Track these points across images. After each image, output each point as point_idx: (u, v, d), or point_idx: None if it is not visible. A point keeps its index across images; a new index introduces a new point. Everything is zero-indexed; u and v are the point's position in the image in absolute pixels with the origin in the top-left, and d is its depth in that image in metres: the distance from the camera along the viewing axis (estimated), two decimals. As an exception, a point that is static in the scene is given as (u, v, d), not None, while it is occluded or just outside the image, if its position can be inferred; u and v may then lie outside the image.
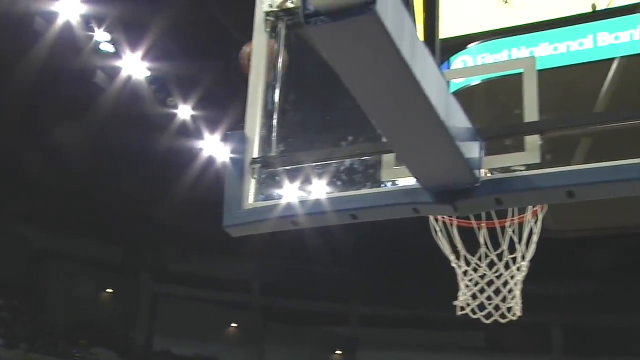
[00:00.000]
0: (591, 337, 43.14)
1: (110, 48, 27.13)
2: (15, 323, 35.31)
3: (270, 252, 36.54)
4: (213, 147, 30.26)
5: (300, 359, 44.38)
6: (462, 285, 4.03)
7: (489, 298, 4.82)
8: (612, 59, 4.48)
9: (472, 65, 6.93)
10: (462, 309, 4.90)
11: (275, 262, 41.37)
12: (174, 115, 29.80)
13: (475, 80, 6.03)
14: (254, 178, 4.07)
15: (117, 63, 27.43)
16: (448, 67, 6.77)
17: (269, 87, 4.01)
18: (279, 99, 4.05)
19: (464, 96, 5.73)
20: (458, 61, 7.05)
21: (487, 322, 4.89)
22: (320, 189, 4.08)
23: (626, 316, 40.86)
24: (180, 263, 43.50)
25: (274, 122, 4.11)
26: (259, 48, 4.00)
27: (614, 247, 35.46)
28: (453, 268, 5.00)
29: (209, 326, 42.53)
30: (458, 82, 6.12)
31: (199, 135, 30.41)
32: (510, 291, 4.08)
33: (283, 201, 4.08)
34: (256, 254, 37.77)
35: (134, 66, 27.72)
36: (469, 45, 7.31)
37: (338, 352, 46.38)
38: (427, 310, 41.20)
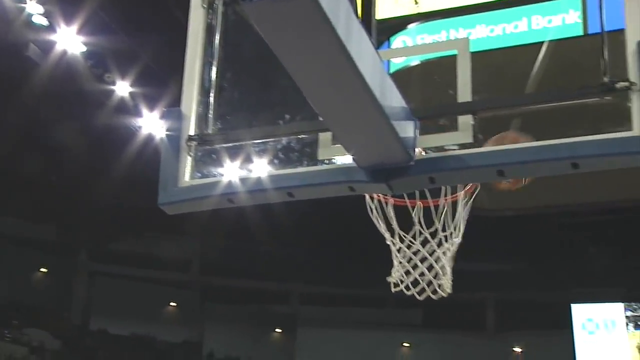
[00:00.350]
0: (524, 313, 43.82)
1: (43, 21, 26.11)
2: (-56, 304, 34.87)
3: (210, 230, 36.31)
4: (152, 125, 29.54)
5: (240, 338, 44.41)
6: (395, 262, 4.09)
7: (422, 275, 4.90)
8: (544, 41, 4.56)
9: (411, 45, 7.00)
10: (396, 285, 4.97)
11: (215, 240, 41.16)
12: (112, 91, 28.88)
13: (414, 61, 6.11)
14: (190, 155, 4.07)
15: (52, 37, 26.47)
16: (388, 47, 6.83)
17: (206, 64, 4.02)
18: (216, 77, 4.06)
19: (404, 76, 5.82)
20: (398, 41, 7.12)
21: (420, 299, 4.95)
22: (257, 167, 4.11)
23: (559, 293, 41.57)
24: (118, 242, 42.95)
25: (211, 99, 4.11)
26: (195, 24, 4.02)
27: (547, 224, 35.97)
28: (389, 246, 5.07)
29: (147, 305, 42.29)
30: (398, 62, 6.20)
31: (138, 113, 29.64)
32: (442, 268, 4.15)
33: (220, 179, 4.10)
34: (196, 233, 37.58)
35: (69, 40, 26.77)
36: (409, 26, 7.39)
37: (278, 330, 46.51)
38: (365, 289, 41.48)
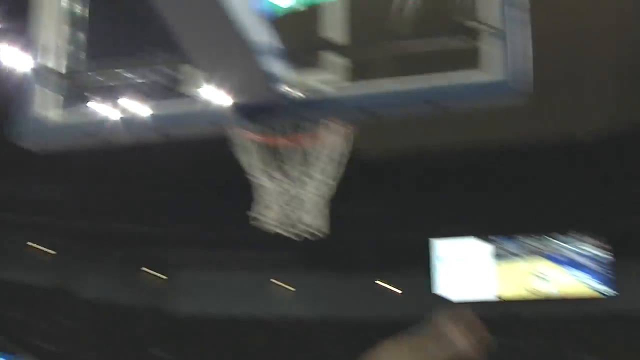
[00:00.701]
0: (397, 253, 44.92)
1: None
2: None
3: (77, 172, 35.59)
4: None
5: (108, 281, 44.06)
6: (268, 200, 4.14)
7: (295, 214, 4.96)
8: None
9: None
10: (269, 225, 5.03)
11: (83, 182, 40.22)
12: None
13: (291, 4, 6.14)
14: (58, 91, 4.04)
15: None
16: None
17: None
18: (84, 11, 4.02)
19: (284, 21, 5.85)
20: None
21: (297, 240, 5.01)
22: (129, 107, 4.09)
23: (424, 231, 42.99)
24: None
25: (79, 37, 4.07)
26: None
27: (413, 165, 36.79)
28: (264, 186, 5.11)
29: (10, 250, 41.34)
30: (284, 6, 6.23)
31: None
32: (315, 208, 4.22)
33: (90, 118, 4.07)
34: (62, 175, 36.58)
35: None
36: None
37: (150, 273, 46.24)
38: (240, 230, 41.23)
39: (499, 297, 43.67)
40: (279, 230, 5.02)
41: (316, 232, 5.09)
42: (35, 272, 43.63)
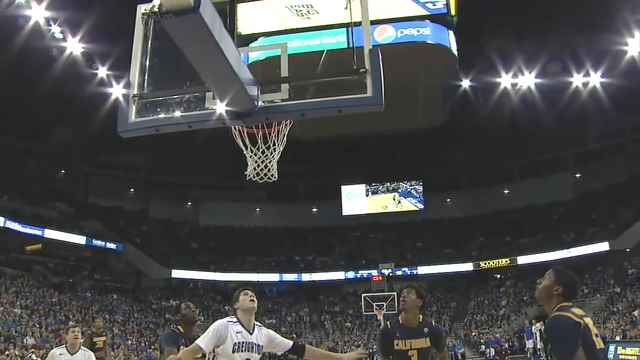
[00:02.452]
0: (321, 191, 45.14)
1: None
2: None
3: (149, 147, 34.59)
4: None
5: (167, 207, 43.57)
6: (249, 162, 4.20)
7: (262, 170, 4.93)
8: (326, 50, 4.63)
9: (257, 45, 6.96)
10: (251, 176, 5.00)
11: (151, 153, 38.72)
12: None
13: (261, 57, 6.12)
14: (134, 105, 4.06)
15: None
16: (247, 46, 6.81)
17: (144, 55, 3.97)
18: (149, 61, 4.02)
19: (256, 65, 5.82)
20: (254, 44, 7.10)
21: (261, 182, 4.99)
22: (171, 112, 4.11)
23: (336, 181, 43.74)
24: None
25: (146, 74, 4.08)
26: (138, 34, 3.98)
27: (331, 143, 36.84)
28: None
29: (111, 187, 40.43)
30: (253, 57, 6.20)
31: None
32: (272, 167, 4.28)
33: (151, 118, 4.11)
34: (139, 149, 35.20)
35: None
36: (259, 38, 7.38)
37: (188, 202, 45.74)
38: (238, 179, 40.91)
39: (368, 212, 44.73)
40: (255, 178, 5.00)
41: (273, 178, 5.06)
42: (128, 200, 42.67)
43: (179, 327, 5.30)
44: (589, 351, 3.04)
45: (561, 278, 3.31)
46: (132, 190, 43.77)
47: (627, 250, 34.72)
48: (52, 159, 36.79)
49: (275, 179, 4.14)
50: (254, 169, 4.64)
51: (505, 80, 31.01)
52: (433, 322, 4.08)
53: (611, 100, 30.70)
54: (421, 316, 4.09)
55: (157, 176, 42.33)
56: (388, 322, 4.21)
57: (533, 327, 25.75)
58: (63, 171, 39.49)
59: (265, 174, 4.66)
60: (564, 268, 3.51)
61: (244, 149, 4.07)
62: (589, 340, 3.11)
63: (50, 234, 32.95)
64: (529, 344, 26.20)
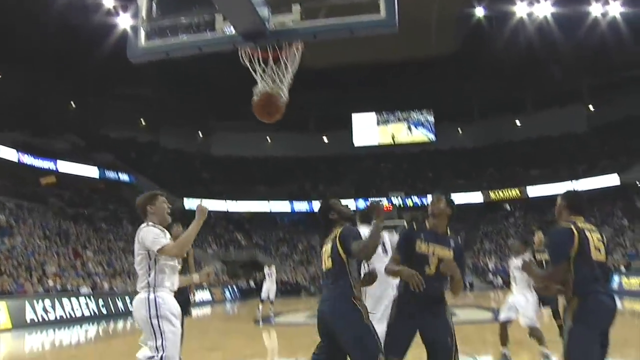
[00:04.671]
0: (332, 120, 44.99)
1: None
2: None
3: (160, 74, 34.14)
4: None
5: (181, 137, 43.69)
6: (259, 84, 4.09)
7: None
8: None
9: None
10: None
11: (157, 81, 38.20)
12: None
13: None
14: (144, 30, 4.00)
15: None
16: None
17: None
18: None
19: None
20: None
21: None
22: (182, 36, 4.05)
23: (350, 110, 43.43)
24: None
25: (154, 1, 4.02)
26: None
27: (342, 71, 36.16)
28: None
29: (123, 117, 40.20)
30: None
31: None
32: (282, 90, 4.17)
33: (163, 43, 4.04)
34: (146, 74, 34.47)
35: None
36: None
37: (199, 133, 45.51)
38: (248, 107, 40.52)
39: (379, 143, 44.69)
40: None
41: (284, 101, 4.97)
42: (139, 132, 42.63)
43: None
44: (584, 259, 3.36)
45: (566, 195, 3.73)
46: (143, 121, 43.75)
47: (638, 183, 34.59)
48: (62, 91, 36.55)
49: (287, 100, 4.02)
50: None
51: (520, 9, 30.00)
52: (460, 242, 3.89)
53: (630, 31, 29.78)
54: (448, 229, 3.88)
55: (168, 107, 42.04)
56: (413, 223, 3.93)
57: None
58: (73, 103, 39.39)
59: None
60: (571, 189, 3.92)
61: (253, 73, 3.98)
62: (585, 248, 3.37)
63: (63, 166, 33.31)
64: None
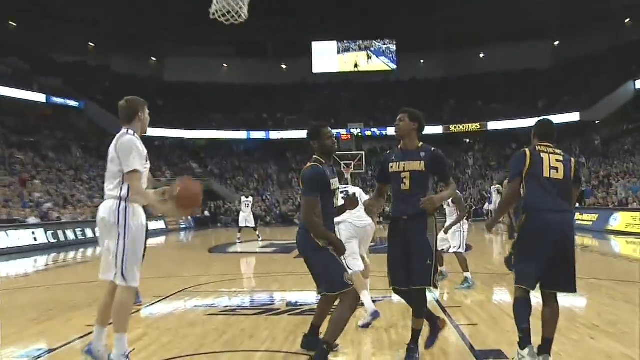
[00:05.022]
0: (291, 47, 44.16)
1: None
2: None
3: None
4: None
5: (132, 63, 42.17)
6: (214, 7, 3.81)
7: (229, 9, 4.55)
8: None
9: None
10: (216, 16, 4.64)
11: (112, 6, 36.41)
12: None
13: None
14: None
15: None
16: None
17: None
18: None
19: None
20: None
21: (227, 23, 4.58)
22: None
23: (309, 37, 42.47)
24: None
25: None
26: None
27: None
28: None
29: (72, 43, 38.43)
30: None
31: None
32: (242, 8, 3.91)
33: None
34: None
35: None
36: None
37: (153, 58, 44.05)
38: (204, 32, 39.14)
39: (339, 71, 44.36)
40: (222, 19, 4.61)
41: (242, 18, 4.70)
42: (89, 56, 40.88)
43: None
44: (536, 177, 3.74)
45: (536, 123, 4.09)
46: (92, 44, 41.75)
47: (597, 122, 35.42)
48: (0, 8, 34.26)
49: (246, 18, 3.75)
50: (221, 8, 4.27)
51: None
52: (436, 150, 3.99)
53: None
54: (422, 143, 4.03)
55: (120, 29, 40.08)
56: (389, 151, 4.21)
57: (492, 187, 26.34)
58: (13, 22, 37.05)
59: (233, 16, 4.32)
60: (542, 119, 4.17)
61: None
62: (537, 166, 3.76)
63: (5, 91, 31.64)
64: (488, 206, 26.71)
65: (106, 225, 3.79)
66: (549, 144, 3.92)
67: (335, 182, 3.94)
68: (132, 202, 3.80)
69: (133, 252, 3.75)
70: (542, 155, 3.81)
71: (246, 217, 18.09)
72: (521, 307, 3.68)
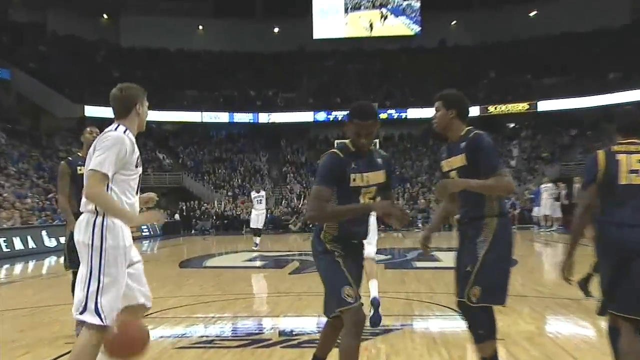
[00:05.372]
0: (285, 4, 44.19)
1: None
2: None
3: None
4: None
5: (76, 22, 42.13)
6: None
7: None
8: None
9: None
10: None
11: None
12: None
13: None
14: None
15: None
16: None
17: None
18: None
19: None
20: None
21: None
22: None
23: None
24: None
25: None
26: None
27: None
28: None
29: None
30: None
31: None
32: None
33: None
34: None
35: None
36: None
37: (104, 16, 44.13)
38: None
39: (346, 36, 44.46)
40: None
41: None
42: (13, 9, 40.60)
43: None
44: (611, 184, 3.83)
45: (619, 115, 4.11)
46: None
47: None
48: None
49: None
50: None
51: None
52: (475, 133, 4.03)
53: None
54: (467, 129, 4.13)
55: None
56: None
57: (542, 185, 25.53)
58: None
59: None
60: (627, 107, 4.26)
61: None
62: (612, 172, 3.83)
63: None
64: (535, 210, 25.88)
65: (81, 249, 3.76)
66: (634, 140, 3.96)
67: (359, 177, 3.86)
68: (112, 217, 3.75)
69: (112, 281, 3.70)
70: (619, 157, 3.88)
71: (258, 216, 18.35)
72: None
